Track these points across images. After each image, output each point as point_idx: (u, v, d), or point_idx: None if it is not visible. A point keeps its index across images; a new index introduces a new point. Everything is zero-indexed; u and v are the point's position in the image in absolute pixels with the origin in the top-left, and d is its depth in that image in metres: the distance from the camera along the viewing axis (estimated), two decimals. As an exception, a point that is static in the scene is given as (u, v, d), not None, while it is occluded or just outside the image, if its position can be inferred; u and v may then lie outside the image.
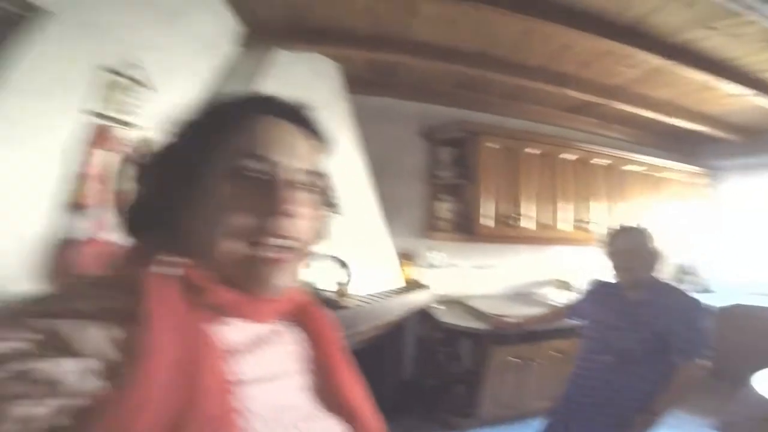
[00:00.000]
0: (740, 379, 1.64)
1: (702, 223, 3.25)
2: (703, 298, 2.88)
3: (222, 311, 0.40)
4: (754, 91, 2.16)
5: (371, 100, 2.50)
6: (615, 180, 2.82)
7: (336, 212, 0.52)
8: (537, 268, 2.99)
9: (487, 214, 2.35)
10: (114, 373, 0.30)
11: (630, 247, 1.36)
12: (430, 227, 2.54)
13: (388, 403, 2.25)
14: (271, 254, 0.40)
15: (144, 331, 0.31)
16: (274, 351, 0.44)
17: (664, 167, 3.02)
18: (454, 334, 2.25)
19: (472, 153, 2.40)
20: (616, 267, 1.41)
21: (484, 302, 2.57)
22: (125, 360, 0.30)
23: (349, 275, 1.86)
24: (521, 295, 2.90)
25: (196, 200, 0.41)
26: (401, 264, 2.41)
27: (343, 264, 1.85)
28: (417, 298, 2.26)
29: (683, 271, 3.48)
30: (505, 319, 2.09)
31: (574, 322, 1.72)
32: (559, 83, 2.27)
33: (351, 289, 1.85)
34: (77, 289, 0.37)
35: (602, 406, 1.34)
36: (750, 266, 3.24)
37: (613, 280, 1.47)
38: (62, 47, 1.12)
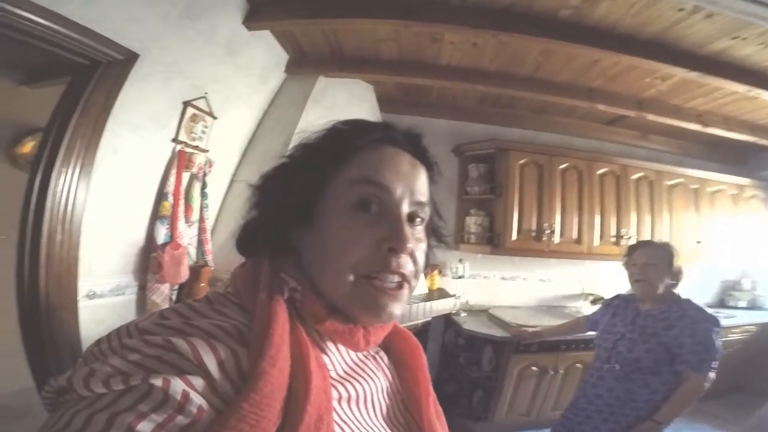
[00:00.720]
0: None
1: (755, 237, 3.05)
2: (754, 315, 2.94)
3: (329, 338, 0.42)
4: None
5: (404, 118, 2.69)
6: (658, 194, 2.72)
7: (444, 242, 0.54)
8: (568, 282, 2.99)
9: (515, 228, 2.42)
10: (232, 391, 0.31)
11: (646, 260, 1.39)
12: (459, 239, 2.64)
13: None
14: (391, 286, 0.40)
15: (264, 352, 0.32)
16: (367, 377, 0.44)
17: (711, 180, 2.88)
18: (475, 340, 2.34)
19: (501, 168, 2.47)
20: (631, 278, 1.45)
21: (509, 312, 2.63)
22: (244, 379, 0.31)
23: None
24: (551, 308, 2.91)
25: (314, 227, 0.41)
26: (429, 273, 2.54)
27: None
28: (440, 306, 2.38)
29: (732, 287, 3.31)
30: (525, 328, 2.14)
31: (592, 333, 1.74)
32: (586, 98, 2.31)
33: None
34: (199, 308, 0.37)
35: (606, 414, 1.38)
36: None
37: (630, 293, 1.52)
38: (151, 85, 1.44)
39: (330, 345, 0.42)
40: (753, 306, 3.16)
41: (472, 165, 2.59)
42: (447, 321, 2.60)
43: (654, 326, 1.35)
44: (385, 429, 0.42)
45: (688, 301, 1.40)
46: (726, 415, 2.58)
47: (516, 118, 2.88)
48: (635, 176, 2.65)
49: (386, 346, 0.50)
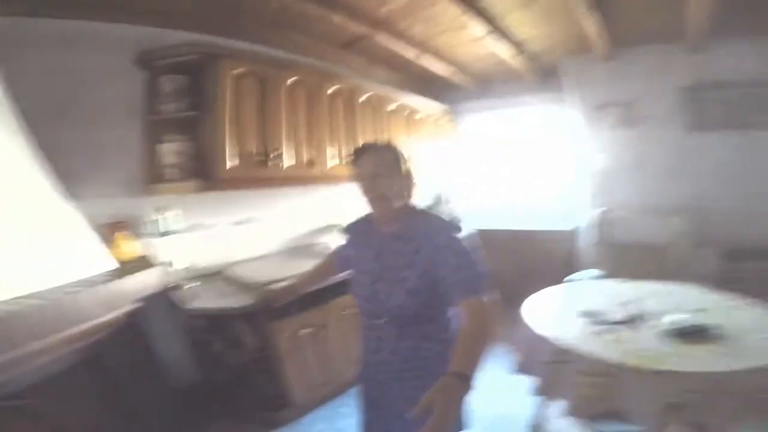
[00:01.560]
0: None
1: (448, 158, 3.66)
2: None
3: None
4: (495, 36, 2.37)
5: (55, 24, 1.62)
6: (380, 117, 2.75)
7: None
8: (311, 215, 2.70)
9: (234, 152, 1.81)
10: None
11: (377, 168, 1.09)
12: (153, 179, 1.83)
13: (181, 415, 1.76)
14: None
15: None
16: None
17: (417, 108, 3.17)
18: (220, 318, 1.69)
19: (209, 79, 1.79)
20: (365, 194, 1.13)
21: (251, 267, 2.10)
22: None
23: None
24: (301, 249, 2.56)
25: None
26: (112, 238, 1.63)
27: None
28: (144, 280, 1.56)
29: (438, 201, 3.75)
30: (273, 287, 1.66)
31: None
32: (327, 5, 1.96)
33: None
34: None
35: (409, 379, 1.10)
36: (487, 194, 3.94)
37: (367, 215, 1.22)
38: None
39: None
40: (453, 219, 3.78)
41: (166, 77, 1.77)
42: (171, 303, 1.74)
43: (404, 254, 1.08)
44: None
45: (427, 213, 1.19)
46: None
47: (239, 29, 2.18)
48: (361, 99, 2.55)
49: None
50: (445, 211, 3.59)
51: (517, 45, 2.70)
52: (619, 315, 1.58)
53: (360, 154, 1.14)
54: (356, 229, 1.29)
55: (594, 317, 1.60)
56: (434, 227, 1.09)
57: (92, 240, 1.52)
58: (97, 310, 1.35)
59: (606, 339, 1.44)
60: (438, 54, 2.88)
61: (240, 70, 1.82)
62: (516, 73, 3.19)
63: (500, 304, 1.14)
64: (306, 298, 1.82)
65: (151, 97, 1.80)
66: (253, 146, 1.88)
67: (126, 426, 1.63)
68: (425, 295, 1.05)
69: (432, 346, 1.10)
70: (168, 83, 1.76)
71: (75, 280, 1.37)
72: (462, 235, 1.08)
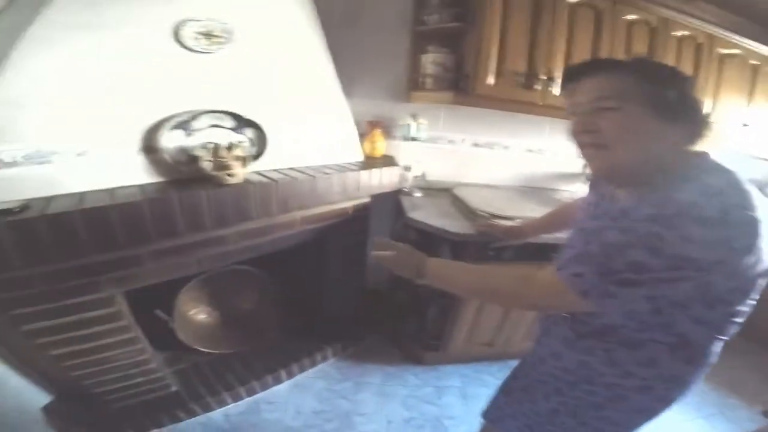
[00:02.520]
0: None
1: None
2: None
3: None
4: None
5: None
6: (707, 61, 1.85)
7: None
8: (566, 155, 2.22)
9: (492, 68, 1.59)
10: None
11: (597, 94, 0.70)
12: (413, 86, 1.84)
13: (344, 316, 2.05)
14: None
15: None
16: None
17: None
18: (430, 235, 1.62)
19: None
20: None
21: (479, 194, 1.92)
22: None
23: (254, 140, 1.36)
24: (539, 191, 2.20)
25: None
26: (368, 133, 1.79)
27: (244, 123, 1.32)
28: (381, 180, 1.68)
29: (759, 189, 2.54)
30: (497, 222, 1.47)
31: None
32: None
33: (264, 160, 1.39)
34: None
35: (551, 387, 0.94)
36: None
37: None
38: None
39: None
40: None
41: None
42: (397, 204, 1.90)
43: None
44: None
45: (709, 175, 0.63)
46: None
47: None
48: (679, 33, 1.76)
49: None
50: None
51: None
52: None
53: (565, 81, 0.77)
54: (597, 182, 0.93)
55: None
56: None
57: (352, 133, 1.71)
58: (338, 196, 1.55)
59: None
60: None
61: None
62: None
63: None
64: (529, 247, 1.54)
65: (419, 9, 1.77)
66: (520, 66, 1.62)
67: (319, 306, 1.98)
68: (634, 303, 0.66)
69: (610, 374, 0.78)
70: None
71: (331, 163, 1.61)
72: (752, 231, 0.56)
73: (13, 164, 0.97)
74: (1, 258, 0.89)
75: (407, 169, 1.90)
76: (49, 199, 0.99)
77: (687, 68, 1.81)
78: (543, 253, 1.54)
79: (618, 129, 0.65)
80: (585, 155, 0.73)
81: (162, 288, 1.39)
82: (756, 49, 1.93)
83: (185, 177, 1.21)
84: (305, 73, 1.50)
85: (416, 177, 1.96)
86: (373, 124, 1.82)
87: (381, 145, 1.82)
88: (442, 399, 1.83)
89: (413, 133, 1.84)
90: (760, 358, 2.24)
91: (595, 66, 0.71)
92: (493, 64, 1.59)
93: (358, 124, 1.75)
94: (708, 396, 1.98)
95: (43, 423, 1.41)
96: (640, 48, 1.70)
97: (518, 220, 1.49)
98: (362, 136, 1.78)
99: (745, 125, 2.03)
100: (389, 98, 1.91)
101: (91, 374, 1.30)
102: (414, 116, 1.84)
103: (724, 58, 1.88)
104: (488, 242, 1.50)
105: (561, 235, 1.37)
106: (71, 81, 1.03)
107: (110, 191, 1.08)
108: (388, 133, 1.91)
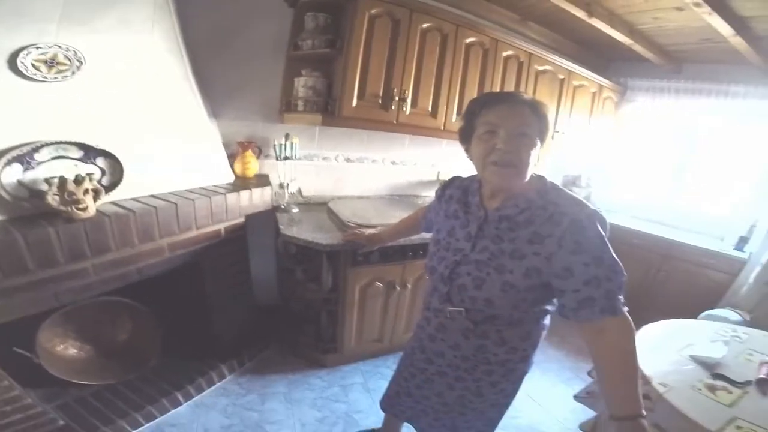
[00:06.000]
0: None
1: (601, 136, 3.07)
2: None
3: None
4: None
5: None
6: (525, 76, 2.36)
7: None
8: (423, 165, 2.64)
9: (359, 92, 1.83)
10: None
11: (521, 127, 0.85)
12: (286, 108, 1.99)
13: (234, 334, 2.00)
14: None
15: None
16: None
17: (577, 73, 2.64)
18: (309, 249, 1.76)
19: (347, 18, 1.80)
20: (489, 155, 0.91)
21: (351, 205, 2.15)
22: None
23: (108, 169, 1.33)
24: (403, 198, 2.57)
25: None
26: (239, 154, 1.89)
27: (94, 153, 1.29)
28: (258, 197, 1.78)
29: (573, 183, 3.39)
30: (360, 230, 1.67)
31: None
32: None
33: (121, 189, 1.36)
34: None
35: (451, 378, 1.11)
36: (637, 186, 3.27)
37: (471, 179, 1.07)
38: None
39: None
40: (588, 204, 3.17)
41: (310, 14, 1.84)
42: (274, 223, 2.01)
43: (513, 240, 0.87)
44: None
45: (555, 188, 0.91)
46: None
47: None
48: (506, 53, 2.22)
49: None
50: (582, 194, 3.12)
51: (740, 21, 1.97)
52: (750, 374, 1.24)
53: (499, 102, 0.87)
54: (452, 193, 1.07)
55: (710, 368, 1.28)
56: (570, 214, 0.81)
57: (220, 155, 1.78)
58: (205, 220, 1.58)
59: (713, 397, 1.15)
60: (613, 18, 2.30)
61: (376, 10, 1.76)
62: (735, 55, 2.35)
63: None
64: (391, 251, 1.82)
65: (295, 34, 1.91)
66: (378, 88, 1.87)
67: (205, 327, 1.93)
68: (524, 294, 0.86)
69: (502, 352, 0.96)
70: (310, 21, 1.84)
71: (196, 187, 1.63)
72: (605, 231, 0.82)
73: None
74: None
75: (282, 186, 2.02)
76: None
77: (511, 83, 2.30)
78: (402, 253, 1.89)
79: (528, 155, 0.83)
80: (494, 171, 0.85)
81: (20, 324, 1.25)
82: (562, 65, 2.53)
83: (30, 213, 1.15)
84: (165, 99, 1.52)
85: (292, 194, 2.10)
86: (245, 145, 1.90)
87: (253, 165, 1.91)
88: (349, 396, 1.94)
89: (287, 152, 1.96)
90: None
91: (516, 98, 0.87)
92: (355, 88, 1.81)
93: (229, 145, 1.85)
94: (564, 362, 2.38)
95: None
96: (474, 67, 2.12)
97: (379, 228, 1.71)
98: (234, 156, 1.87)
99: (557, 132, 2.55)
100: (263, 119, 2.03)
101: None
102: (287, 136, 1.97)
103: (539, 73, 2.42)
104: (356, 250, 1.71)
105: (415, 238, 1.75)
106: None
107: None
108: (262, 153, 2.03)
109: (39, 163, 1.18)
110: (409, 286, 1.99)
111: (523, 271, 0.84)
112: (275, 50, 1.95)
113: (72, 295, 1.29)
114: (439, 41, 1.96)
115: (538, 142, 0.85)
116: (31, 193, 1.16)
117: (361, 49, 1.77)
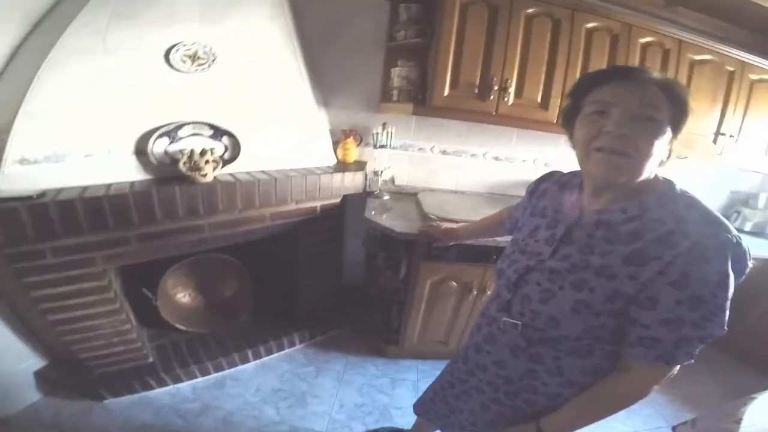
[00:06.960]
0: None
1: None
2: (759, 244, 2.15)
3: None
4: None
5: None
6: (676, 68, 1.90)
7: None
8: (531, 163, 2.39)
9: (452, 80, 1.76)
10: None
11: (642, 108, 0.64)
12: (384, 98, 2.05)
13: (316, 307, 2.22)
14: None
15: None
16: None
17: (756, 65, 2.01)
18: (391, 237, 1.76)
19: (437, 6, 1.79)
20: (596, 140, 0.70)
21: (440, 199, 2.10)
22: None
23: (229, 146, 1.59)
24: (503, 198, 2.35)
25: None
26: (342, 141, 2.04)
27: (220, 132, 1.56)
28: (344, 182, 1.89)
29: (744, 202, 2.57)
30: (437, 223, 1.58)
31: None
32: None
33: (238, 163, 1.61)
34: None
35: (487, 398, 1.01)
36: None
37: (573, 175, 0.89)
38: None
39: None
40: (760, 232, 2.36)
41: (403, 5, 1.90)
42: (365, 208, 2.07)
43: (605, 253, 0.68)
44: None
45: (686, 197, 0.68)
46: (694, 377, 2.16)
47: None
48: (643, 39, 1.83)
49: None
50: (756, 217, 2.40)
51: None
52: None
53: (617, 78, 0.67)
54: (547, 188, 0.91)
55: None
56: (695, 236, 0.60)
57: (326, 140, 1.97)
58: (300, 195, 1.75)
59: None
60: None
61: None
62: None
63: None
64: (472, 250, 1.72)
65: (391, 26, 2.00)
66: (474, 77, 1.77)
67: (291, 295, 2.17)
68: (599, 320, 0.68)
69: (555, 384, 0.79)
70: (403, 12, 1.91)
71: (300, 167, 1.84)
72: (740, 271, 0.61)
73: (35, 162, 1.25)
74: (21, 234, 1.16)
75: (376, 173, 2.11)
76: (60, 190, 1.27)
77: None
78: (485, 255, 1.75)
79: (648, 145, 0.63)
80: (600, 160, 0.66)
81: (151, 270, 1.67)
82: (731, 55, 1.95)
83: (167, 176, 1.46)
84: (280, 88, 1.74)
85: (384, 181, 2.16)
86: (347, 133, 2.06)
87: (353, 152, 2.05)
88: (395, 390, 1.95)
89: (383, 141, 2.05)
90: (726, 371, 2.28)
91: (640, 73, 0.66)
92: (448, 76, 1.76)
93: (334, 132, 2.03)
94: (663, 408, 1.99)
95: (32, 386, 1.64)
96: (599, 55, 1.82)
97: (459, 224, 1.60)
98: (338, 143, 2.04)
99: (731, 137, 2.05)
100: (365, 109, 2.15)
101: (79, 340, 1.54)
102: (384, 125, 2.05)
103: (695, 64, 1.93)
104: (430, 242, 1.67)
105: (503, 241, 1.63)
106: (80, 96, 1.30)
107: (107, 185, 1.35)
108: (363, 140, 2.17)
109: (180, 138, 1.49)
110: (489, 292, 1.84)
111: (607, 294, 0.66)
112: (376, 42, 2.06)
113: (189, 247, 1.60)
114: (550, 27, 1.78)
115: (669, 132, 0.64)
116: (172, 160, 1.47)
117: (453, 37, 1.72)
